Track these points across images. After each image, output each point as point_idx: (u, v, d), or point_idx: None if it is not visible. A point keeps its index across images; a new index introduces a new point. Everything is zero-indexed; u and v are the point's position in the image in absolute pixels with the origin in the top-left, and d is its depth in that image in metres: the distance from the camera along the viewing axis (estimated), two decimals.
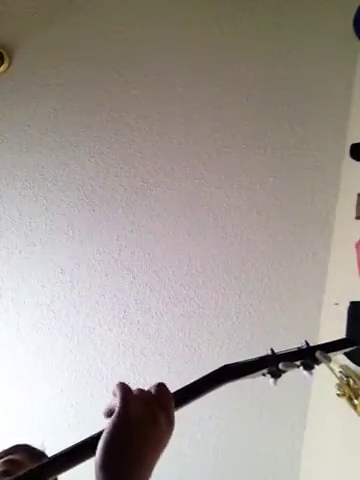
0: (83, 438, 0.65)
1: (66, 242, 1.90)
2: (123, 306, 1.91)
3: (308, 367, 0.73)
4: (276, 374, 0.73)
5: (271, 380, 0.73)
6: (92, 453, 0.62)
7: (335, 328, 1.57)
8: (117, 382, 0.65)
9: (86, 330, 1.91)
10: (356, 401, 1.37)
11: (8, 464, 0.95)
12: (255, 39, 1.86)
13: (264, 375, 0.74)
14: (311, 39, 1.84)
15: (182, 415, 2.10)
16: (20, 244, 1.90)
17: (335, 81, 1.84)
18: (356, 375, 1.41)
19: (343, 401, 1.42)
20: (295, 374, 2.08)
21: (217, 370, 0.72)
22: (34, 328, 1.91)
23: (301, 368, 0.74)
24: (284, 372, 0.73)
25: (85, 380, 1.92)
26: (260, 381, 2.10)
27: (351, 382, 1.41)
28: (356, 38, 1.73)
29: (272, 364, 0.73)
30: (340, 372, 1.47)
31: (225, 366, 0.73)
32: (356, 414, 1.35)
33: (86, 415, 1.90)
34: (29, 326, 1.91)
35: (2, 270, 1.90)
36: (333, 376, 1.48)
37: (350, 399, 1.39)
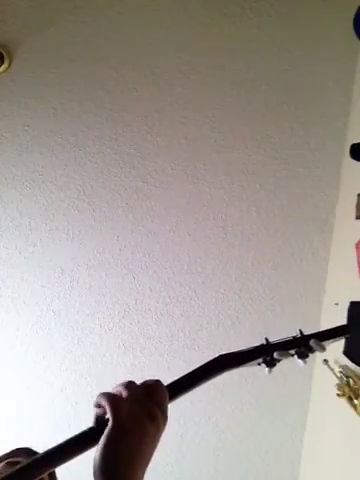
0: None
1: (66, 242, 1.90)
2: (123, 306, 1.91)
3: (302, 356, 0.74)
4: (271, 363, 0.74)
5: (266, 369, 0.74)
6: (84, 448, 0.63)
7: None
8: (98, 394, 0.65)
9: (86, 330, 1.91)
10: (356, 401, 1.36)
11: (12, 466, 0.96)
12: (255, 39, 1.86)
13: (259, 364, 0.74)
14: (311, 39, 1.84)
15: (182, 416, 2.11)
16: (20, 244, 1.90)
17: (335, 81, 1.84)
18: (356, 375, 1.41)
19: (343, 401, 1.42)
20: (295, 374, 2.07)
21: (213, 360, 0.73)
22: (34, 328, 1.91)
23: (295, 357, 0.74)
24: (279, 361, 0.74)
25: (85, 380, 1.92)
26: (260, 381, 2.10)
27: (351, 382, 1.41)
28: (356, 38, 1.73)
29: (267, 353, 0.73)
30: (340, 372, 1.47)
31: (221, 355, 0.73)
32: (356, 414, 1.35)
33: (86, 415, 1.90)
34: (29, 326, 1.91)
35: (2, 270, 1.90)
36: (333, 376, 1.48)
37: (350, 399, 1.39)
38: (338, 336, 0.78)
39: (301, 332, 0.76)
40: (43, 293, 1.91)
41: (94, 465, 0.60)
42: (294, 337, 0.76)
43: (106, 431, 0.62)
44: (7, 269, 1.90)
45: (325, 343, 0.75)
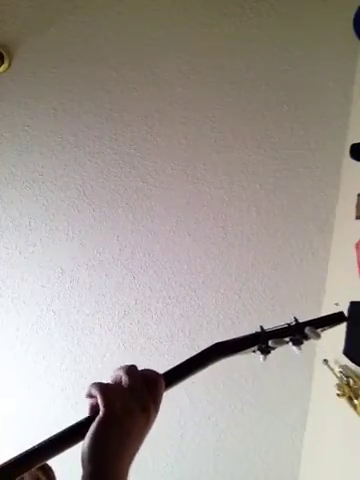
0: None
1: (66, 242, 1.90)
2: (123, 306, 1.91)
3: (297, 343, 0.74)
4: (266, 351, 0.75)
5: (261, 356, 0.75)
6: (79, 439, 0.63)
7: (335, 328, 1.57)
8: (90, 384, 0.65)
9: (86, 330, 1.91)
10: (356, 401, 1.37)
11: None
12: (255, 39, 1.86)
13: (254, 352, 0.76)
14: (311, 39, 1.84)
15: (182, 416, 2.11)
16: (20, 244, 1.90)
17: (335, 81, 1.84)
18: (356, 375, 1.41)
19: (343, 401, 1.42)
20: (295, 374, 2.07)
21: (209, 348, 0.74)
22: (34, 328, 1.91)
23: (290, 344, 0.75)
24: (274, 349, 0.75)
25: (85, 380, 1.92)
26: (260, 381, 2.10)
27: (351, 382, 1.41)
28: (356, 38, 1.73)
29: (262, 341, 0.74)
30: (340, 372, 1.47)
31: (216, 343, 0.74)
32: (356, 414, 1.35)
33: (86, 415, 1.90)
34: (29, 326, 1.91)
35: (2, 270, 1.90)
36: (333, 376, 1.48)
37: (350, 399, 1.39)
38: (333, 323, 0.78)
39: (296, 319, 0.76)
40: (43, 293, 1.91)
41: (82, 454, 0.61)
42: (289, 324, 0.76)
43: (96, 420, 0.62)
44: (7, 269, 1.90)
45: (319, 330, 0.76)
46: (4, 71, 1.84)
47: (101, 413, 0.62)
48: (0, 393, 1.93)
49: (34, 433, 1.96)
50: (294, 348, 0.74)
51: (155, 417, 0.66)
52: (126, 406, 0.63)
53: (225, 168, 1.88)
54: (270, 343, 0.73)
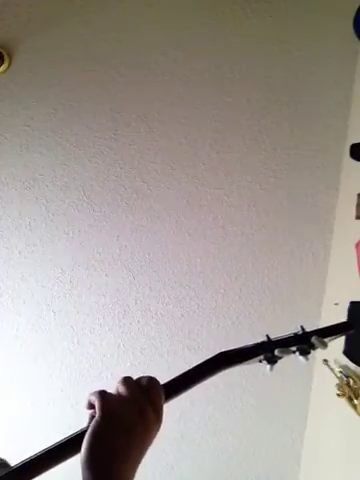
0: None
1: (66, 242, 1.90)
2: (123, 306, 1.91)
3: (304, 353, 0.72)
4: (272, 360, 0.72)
5: (267, 366, 0.73)
6: (72, 453, 0.62)
7: None
8: (90, 393, 0.65)
9: (86, 330, 1.91)
10: (356, 401, 1.37)
11: None
12: (255, 39, 1.85)
13: (260, 361, 0.73)
14: (311, 39, 1.84)
15: (182, 416, 2.11)
16: (20, 244, 1.90)
17: (335, 81, 1.84)
18: (356, 375, 1.41)
19: (343, 401, 1.42)
20: (295, 374, 2.07)
21: (213, 357, 0.72)
22: (34, 328, 1.91)
23: (297, 353, 0.73)
24: (280, 358, 0.72)
25: (85, 380, 1.92)
26: (260, 381, 2.10)
27: (351, 382, 1.41)
28: (356, 38, 1.73)
29: (268, 350, 0.72)
30: (340, 372, 1.47)
31: (221, 353, 0.73)
32: (356, 414, 1.35)
33: (86, 415, 1.89)
34: (29, 326, 1.91)
35: (2, 270, 1.90)
36: (333, 376, 1.48)
37: (350, 399, 1.39)
38: (340, 333, 0.77)
39: (302, 329, 0.75)
40: (43, 293, 1.91)
41: (81, 461, 0.60)
42: (295, 334, 0.75)
43: (92, 424, 0.62)
44: (7, 269, 1.90)
45: (327, 340, 0.74)
46: (4, 71, 1.84)
47: (96, 416, 0.62)
48: (0, 393, 1.93)
49: (34, 433, 1.97)
50: (301, 358, 0.72)
51: (158, 423, 0.65)
52: (121, 412, 0.62)
53: (225, 168, 1.88)
54: (276, 352, 0.71)
